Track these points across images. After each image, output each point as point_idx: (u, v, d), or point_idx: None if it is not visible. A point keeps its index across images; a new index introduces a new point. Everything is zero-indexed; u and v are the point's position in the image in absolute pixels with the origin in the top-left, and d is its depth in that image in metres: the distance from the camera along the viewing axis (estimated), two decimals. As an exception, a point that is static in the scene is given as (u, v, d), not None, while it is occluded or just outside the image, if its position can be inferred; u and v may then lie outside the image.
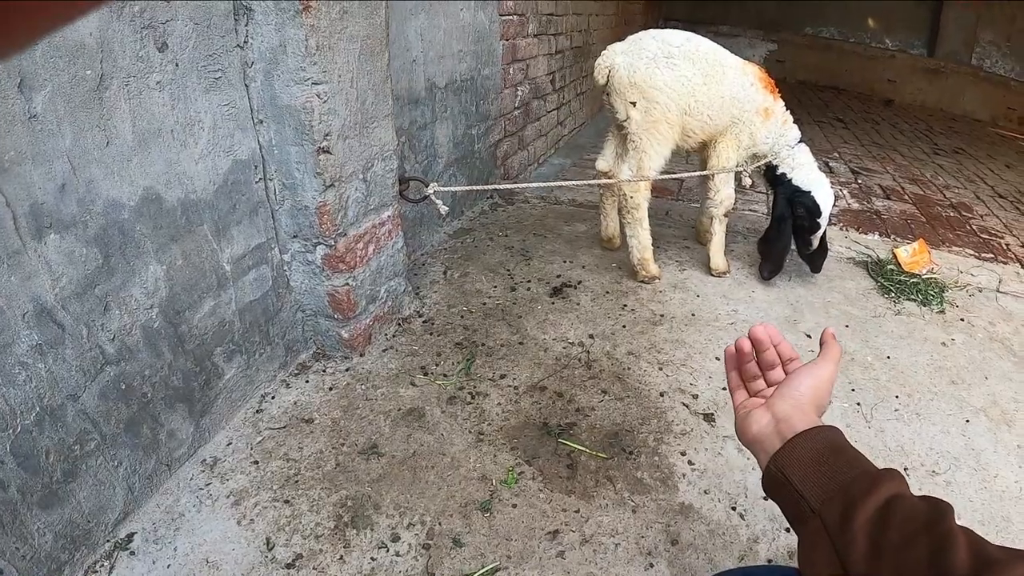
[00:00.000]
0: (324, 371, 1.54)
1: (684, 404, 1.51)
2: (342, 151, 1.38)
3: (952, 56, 6.78)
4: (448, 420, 1.41)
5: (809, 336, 1.84)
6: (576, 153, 3.62)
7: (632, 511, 1.20)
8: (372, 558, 1.08)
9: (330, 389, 1.48)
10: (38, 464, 0.93)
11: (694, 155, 2.17)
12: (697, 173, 2.13)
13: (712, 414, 1.48)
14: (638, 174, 1.93)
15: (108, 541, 1.06)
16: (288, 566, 1.05)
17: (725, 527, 1.18)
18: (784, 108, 2.02)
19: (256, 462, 1.26)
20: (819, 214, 1.98)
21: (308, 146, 1.31)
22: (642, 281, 2.07)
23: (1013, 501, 1.29)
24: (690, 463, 1.33)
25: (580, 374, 1.60)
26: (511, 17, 2.59)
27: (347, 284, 1.49)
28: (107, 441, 1.05)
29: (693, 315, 1.91)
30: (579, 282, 2.06)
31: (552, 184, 1.95)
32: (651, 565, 1.09)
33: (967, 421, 1.52)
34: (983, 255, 2.57)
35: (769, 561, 1.12)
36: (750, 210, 2.86)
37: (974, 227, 2.94)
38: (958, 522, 0.46)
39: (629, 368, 1.63)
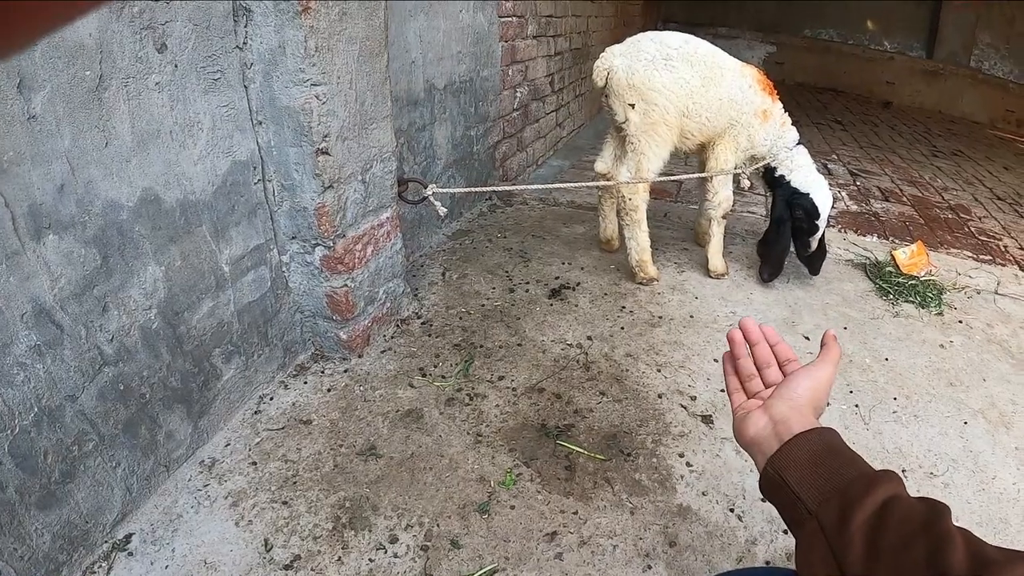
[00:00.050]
0: (322, 372, 1.54)
1: (682, 406, 1.51)
2: (341, 152, 1.38)
3: (951, 58, 6.80)
4: (446, 421, 1.41)
5: (807, 338, 1.84)
6: (575, 155, 3.62)
7: (630, 513, 1.20)
8: (370, 559, 1.07)
9: (328, 390, 1.48)
10: (36, 465, 0.93)
11: (693, 157, 2.18)
12: (696, 175, 2.13)
13: (710, 416, 1.48)
14: (637, 176, 1.93)
15: (106, 542, 1.06)
16: (286, 567, 1.05)
17: (723, 529, 1.18)
18: (782, 110, 2.02)
19: (254, 463, 1.26)
20: (817, 216, 1.98)
21: (307, 147, 1.31)
22: (640, 283, 2.07)
23: (1011, 503, 1.29)
24: (688, 465, 1.33)
25: (578, 376, 1.60)
26: (510, 19, 2.59)
27: (346, 285, 1.49)
28: (105, 442, 1.05)
29: (691, 317, 1.91)
30: (577, 284, 2.06)
31: (551, 186, 1.95)
32: (649, 567, 1.09)
33: (965, 423, 1.52)
34: (981, 257, 2.58)
35: (767, 563, 1.12)
36: (748, 212, 2.86)
37: (972, 229, 2.94)
38: (955, 523, 0.46)
39: (627, 370, 1.63)
